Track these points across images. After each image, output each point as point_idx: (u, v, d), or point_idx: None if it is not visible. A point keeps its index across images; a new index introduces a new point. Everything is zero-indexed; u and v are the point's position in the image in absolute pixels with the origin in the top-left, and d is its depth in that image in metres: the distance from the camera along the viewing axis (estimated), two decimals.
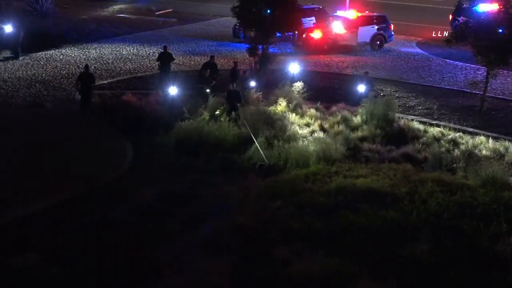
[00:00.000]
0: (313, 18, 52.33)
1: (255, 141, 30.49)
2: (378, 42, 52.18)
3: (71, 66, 43.85)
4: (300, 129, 33.23)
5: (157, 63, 41.01)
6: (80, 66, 41.30)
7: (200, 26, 57.44)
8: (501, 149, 31.37)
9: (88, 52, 47.71)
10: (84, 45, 49.29)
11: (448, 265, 20.54)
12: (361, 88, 36.98)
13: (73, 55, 46.63)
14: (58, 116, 34.99)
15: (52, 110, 36.04)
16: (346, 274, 19.75)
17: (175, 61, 41.93)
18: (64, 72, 42.50)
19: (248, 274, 20.01)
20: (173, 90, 35.26)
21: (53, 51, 47.23)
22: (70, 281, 19.83)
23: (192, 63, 45.66)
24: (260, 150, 29.71)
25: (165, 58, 40.22)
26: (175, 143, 31.29)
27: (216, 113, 33.80)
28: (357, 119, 34.64)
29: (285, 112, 34.93)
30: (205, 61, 41.45)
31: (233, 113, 33.34)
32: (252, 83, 37.43)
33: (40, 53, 46.40)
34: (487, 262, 20.60)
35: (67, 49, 48.01)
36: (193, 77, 40.39)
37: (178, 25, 57.52)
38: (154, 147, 31.16)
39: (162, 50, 40.74)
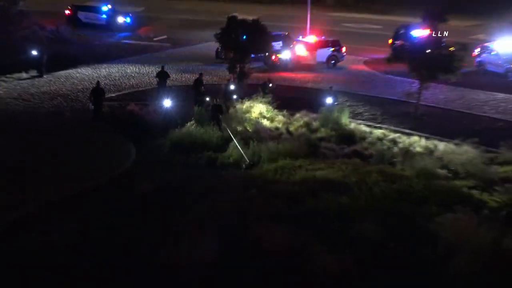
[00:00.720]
0: (281, 42, 52.32)
1: (236, 142, 30.43)
2: (333, 61, 52.19)
3: (85, 82, 43.58)
4: (270, 131, 33.21)
5: (155, 79, 40.95)
6: (93, 82, 41.01)
7: (189, 49, 57.21)
8: (431, 147, 31.60)
9: (99, 71, 47.45)
10: (96, 65, 48.99)
11: (390, 240, 20.63)
12: (328, 100, 36.93)
13: (87, 74, 46.35)
14: (76, 123, 34.84)
15: (70, 118, 35.87)
16: (309, 248, 19.80)
17: (170, 77, 41.82)
18: (80, 87, 42.25)
19: (229, 248, 20.03)
20: (168, 102, 35.17)
21: (71, 70, 46.92)
22: (83, 254, 19.93)
23: (183, 79, 45.50)
24: (240, 149, 29.70)
25: (162, 76, 40.17)
26: (170, 145, 31.23)
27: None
28: (316, 123, 34.67)
29: (258, 118, 34.93)
30: (194, 77, 41.28)
31: (215, 121, 33.32)
32: (234, 96, 37.56)
33: (60, 72, 46.10)
34: (422, 237, 20.68)
35: (82, 68, 47.71)
36: (183, 90, 40.32)
37: (171, 48, 57.26)
38: (153, 148, 31.09)
39: (160, 69, 40.62)
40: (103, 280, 18.57)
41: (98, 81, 38.00)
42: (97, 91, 35.85)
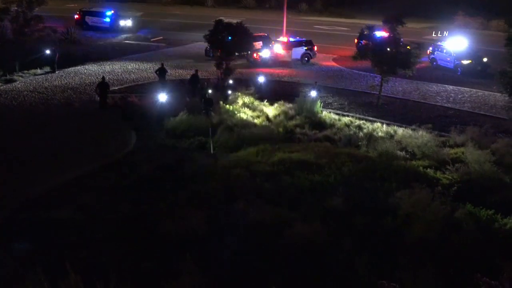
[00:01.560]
0: (261, 42, 52.10)
1: (210, 132, 29.80)
2: (306, 59, 51.98)
3: (92, 77, 43.25)
4: (252, 119, 33.08)
5: (156, 74, 40.68)
6: (98, 77, 40.67)
7: (182, 48, 56.81)
8: (391, 132, 31.55)
9: (104, 67, 47.07)
10: (101, 62, 48.61)
11: (356, 212, 20.62)
12: (313, 93, 36.62)
13: (93, 69, 46.01)
14: (84, 112, 34.71)
15: (79, 108, 35.66)
16: (286, 220, 19.75)
17: (168, 73, 41.58)
18: (87, 81, 41.92)
19: (218, 220, 19.96)
20: (164, 95, 34.80)
21: (79, 67, 46.60)
22: (92, 226, 19.89)
23: (177, 74, 45.16)
24: (211, 141, 29.38)
25: (162, 71, 39.96)
26: (166, 131, 31.09)
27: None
28: (292, 112, 34.55)
29: (242, 108, 34.79)
30: (187, 73, 41.04)
31: (205, 111, 33.14)
32: (229, 91, 37.35)
33: (70, 68, 45.78)
34: (383, 209, 20.69)
35: (89, 65, 47.36)
36: (177, 84, 40.08)
37: (166, 48, 56.91)
38: (151, 133, 30.92)
39: (160, 66, 40.42)
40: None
41: (103, 76, 37.91)
42: (103, 85, 35.66)
